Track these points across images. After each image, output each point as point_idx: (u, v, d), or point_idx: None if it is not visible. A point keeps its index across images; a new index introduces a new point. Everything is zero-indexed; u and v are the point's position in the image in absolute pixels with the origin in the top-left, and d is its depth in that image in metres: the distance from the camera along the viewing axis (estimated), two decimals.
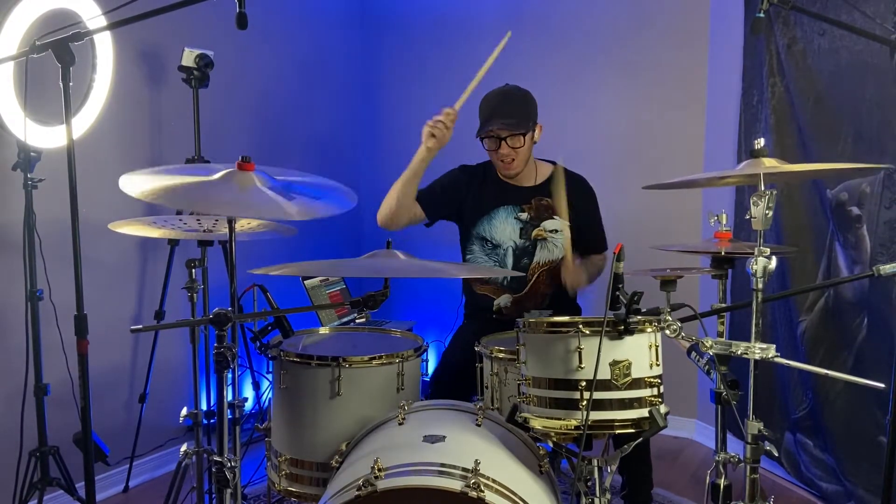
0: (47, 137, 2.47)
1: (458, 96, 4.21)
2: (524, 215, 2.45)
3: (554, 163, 2.49)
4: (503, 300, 2.48)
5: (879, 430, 2.26)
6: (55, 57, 1.55)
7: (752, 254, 1.40)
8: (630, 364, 1.46)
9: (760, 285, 1.40)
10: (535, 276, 2.46)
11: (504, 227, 2.45)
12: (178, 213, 2.85)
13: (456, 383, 2.21)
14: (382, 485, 1.30)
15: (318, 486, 1.77)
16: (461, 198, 2.50)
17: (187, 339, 2.22)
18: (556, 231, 2.46)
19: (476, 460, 1.34)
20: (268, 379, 2.06)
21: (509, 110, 2.35)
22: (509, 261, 2.46)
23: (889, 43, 1.79)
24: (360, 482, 1.31)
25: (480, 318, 2.51)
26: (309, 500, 1.78)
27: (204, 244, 2.42)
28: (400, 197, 2.39)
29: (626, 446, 1.57)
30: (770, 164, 1.53)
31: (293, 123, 3.82)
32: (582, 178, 2.55)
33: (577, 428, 1.46)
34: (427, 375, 2.07)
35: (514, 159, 2.37)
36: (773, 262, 1.39)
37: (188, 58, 2.70)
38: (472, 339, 2.06)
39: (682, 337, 1.48)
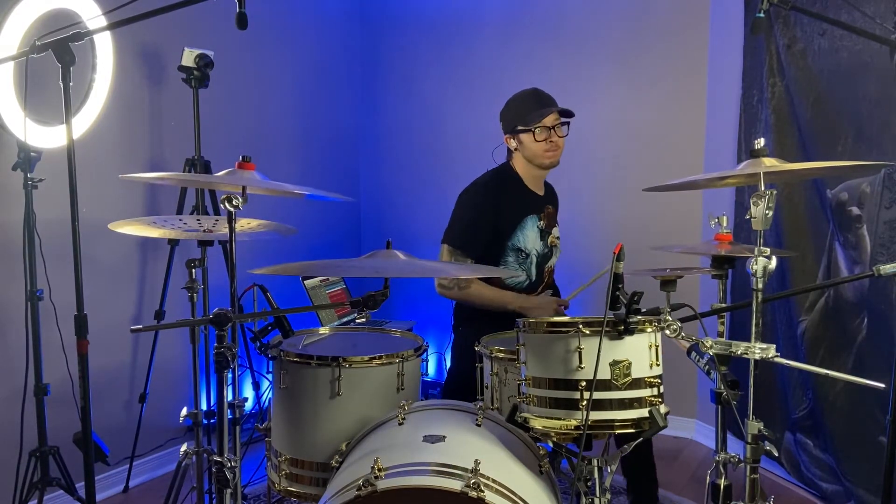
0: (47, 137, 2.47)
1: (458, 96, 4.23)
2: (542, 223, 2.53)
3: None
4: None
5: (879, 430, 2.26)
6: (55, 57, 1.55)
7: (752, 256, 1.40)
8: (630, 364, 1.46)
9: (760, 285, 1.40)
10: (548, 278, 2.57)
11: (531, 236, 2.50)
12: (179, 212, 2.86)
13: (469, 393, 2.18)
14: (382, 485, 1.30)
15: (318, 486, 1.77)
16: (494, 218, 2.45)
17: (187, 339, 2.22)
18: (559, 238, 2.62)
19: (476, 460, 1.34)
20: (268, 379, 2.06)
21: (554, 102, 2.46)
22: (534, 268, 2.51)
23: (889, 43, 1.79)
24: (360, 482, 1.31)
25: (486, 322, 2.49)
26: (309, 500, 1.78)
27: (204, 244, 2.41)
28: (475, 303, 2.45)
29: (625, 446, 1.57)
30: (770, 163, 1.53)
31: (293, 123, 3.82)
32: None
33: (577, 428, 1.46)
34: (427, 375, 2.07)
35: (558, 147, 2.46)
36: (773, 262, 1.39)
37: (188, 58, 2.70)
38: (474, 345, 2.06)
39: (682, 337, 1.48)
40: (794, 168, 1.62)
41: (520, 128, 2.43)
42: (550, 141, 2.43)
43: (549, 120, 2.41)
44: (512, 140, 2.48)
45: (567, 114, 2.43)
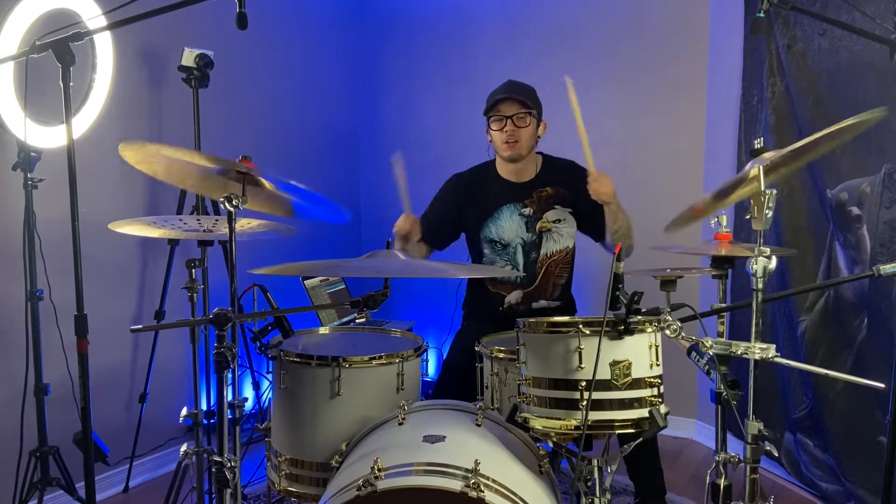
0: (47, 137, 2.47)
1: (457, 96, 4.22)
2: (527, 210, 2.47)
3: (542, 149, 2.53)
4: (513, 297, 2.49)
5: (879, 430, 2.26)
6: (55, 57, 1.55)
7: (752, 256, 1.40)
8: (630, 364, 1.46)
9: (760, 285, 1.40)
10: (545, 267, 2.48)
11: (510, 226, 2.47)
12: (179, 212, 2.86)
13: (461, 387, 2.19)
14: (382, 485, 1.30)
15: (318, 486, 1.77)
16: (459, 210, 2.54)
17: (187, 339, 2.22)
18: (559, 221, 2.48)
19: (476, 460, 1.34)
20: (268, 379, 2.06)
21: (517, 91, 2.41)
22: (520, 257, 2.48)
23: (889, 43, 1.79)
24: (360, 482, 1.31)
25: (485, 317, 2.50)
26: (309, 500, 1.78)
27: (204, 244, 2.41)
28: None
29: (625, 446, 1.57)
30: (769, 156, 1.52)
31: (293, 123, 3.82)
32: (569, 161, 2.55)
33: (577, 428, 1.46)
34: (427, 375, 2.07)
35: (517, 140, 2.38)
36: (773, 262, 1.39)
37: (188, 58, 2.70)
38: (474, 341, 2.06)
39: (682, 337, 1.48)
40: (792, 150, 1.55)
41: (485, 117, 2.44)
42: (505, 131, 2.37)
43: (509, 109, 2.36)
44: (487, 134, 2.48)
45: (519, 100, 2.33)
